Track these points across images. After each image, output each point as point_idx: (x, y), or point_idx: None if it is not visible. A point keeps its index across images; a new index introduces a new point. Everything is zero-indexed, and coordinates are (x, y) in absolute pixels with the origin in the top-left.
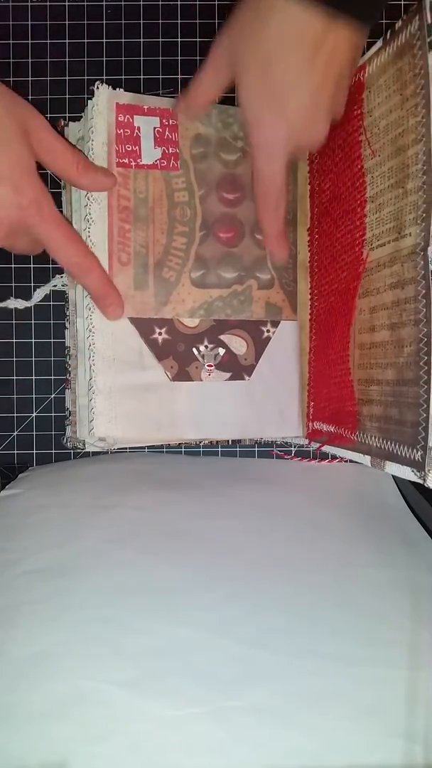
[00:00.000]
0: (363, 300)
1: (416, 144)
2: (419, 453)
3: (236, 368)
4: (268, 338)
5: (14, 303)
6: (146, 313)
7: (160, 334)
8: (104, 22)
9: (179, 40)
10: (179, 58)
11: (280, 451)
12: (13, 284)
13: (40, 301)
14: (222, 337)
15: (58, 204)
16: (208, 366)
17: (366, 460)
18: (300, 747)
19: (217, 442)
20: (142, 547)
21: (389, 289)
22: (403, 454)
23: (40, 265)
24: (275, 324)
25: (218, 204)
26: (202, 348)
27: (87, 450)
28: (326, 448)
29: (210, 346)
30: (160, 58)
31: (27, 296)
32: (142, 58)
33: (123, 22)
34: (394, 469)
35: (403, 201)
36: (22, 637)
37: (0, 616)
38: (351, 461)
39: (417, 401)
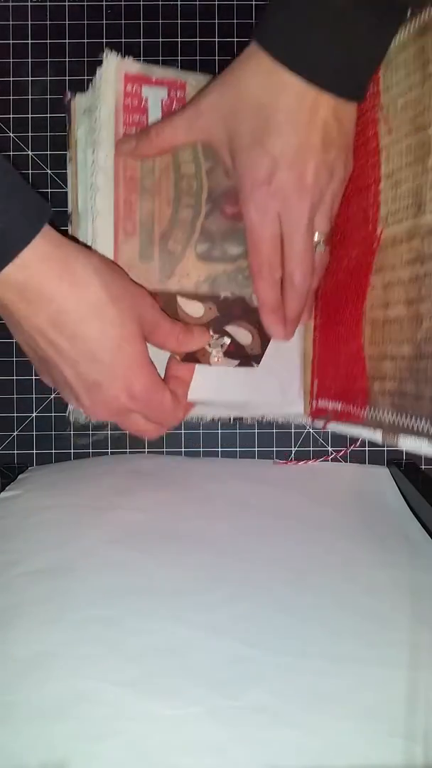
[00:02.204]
0: (375, 276)
1: None
2: None
3: (244, 356)
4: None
5: None
6: (150, 284)
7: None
8: (104, 22)
9: (179, 40)
10: (179, 58)
11: (278, 452)
12: None
13: None
14: (227, 327)
15: (64, 178)
16: (215, 353)
17: (377, 435)
18: (300, 747)
19: (218, 419)
20: (142, 547)
21: (406, 265)
22: (420, 427)
23: None
24: None
25: (225, 178)
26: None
27: (87, 432)
28: (331, 427)
29: (215, 336)
30: (160, 58)
31: None
32: (142, 58)
33: (123, 22)
34: (409, 442)
35: (423, 178)
36: (22, 637)
37: (0, 616)
38: (350, 461)
39: None
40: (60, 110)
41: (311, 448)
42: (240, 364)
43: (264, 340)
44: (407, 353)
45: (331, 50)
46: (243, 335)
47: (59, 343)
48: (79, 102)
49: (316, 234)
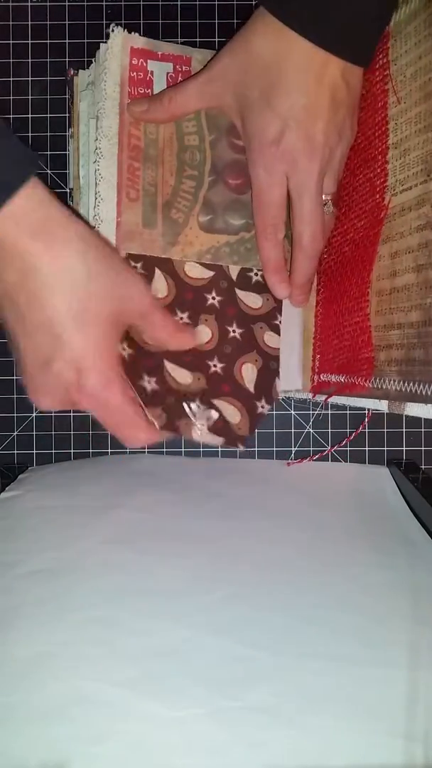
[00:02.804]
0: (383, 246)
1: None
2: None
3: (231, 435)
4: (263, 414)
5: None
6: (154, 250)
7: (149, 382)
8: (104, 22)
9: (179, 40)
10: None
11: (278, 451)
12: None
13: None
14: (215, 401)
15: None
16: (200, 425)
17: (383, 404)
18: (300, 747)
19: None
20: (142, 548)
21: (416, 231)
22: (428, 392)
23: None
24: (269, 402)
25: (228, 150)
26: (194, 406)
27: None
28: (335, 400)
29: (202, 406)
30: None
31: None
32: None
33: (123, 22)
34: (416, 409)
35: None
36: (22, 638)
37: (0, 617)
38: (350, 460)
39: None
40: (60, 110)
41: (311, 448)
42: (226, 443)
43: (253, 421)
44: (416, 319)
45: (339, 14)
46: (231, 413)
47: (19, 306)
48: (82, 77)
49: (324, 195)
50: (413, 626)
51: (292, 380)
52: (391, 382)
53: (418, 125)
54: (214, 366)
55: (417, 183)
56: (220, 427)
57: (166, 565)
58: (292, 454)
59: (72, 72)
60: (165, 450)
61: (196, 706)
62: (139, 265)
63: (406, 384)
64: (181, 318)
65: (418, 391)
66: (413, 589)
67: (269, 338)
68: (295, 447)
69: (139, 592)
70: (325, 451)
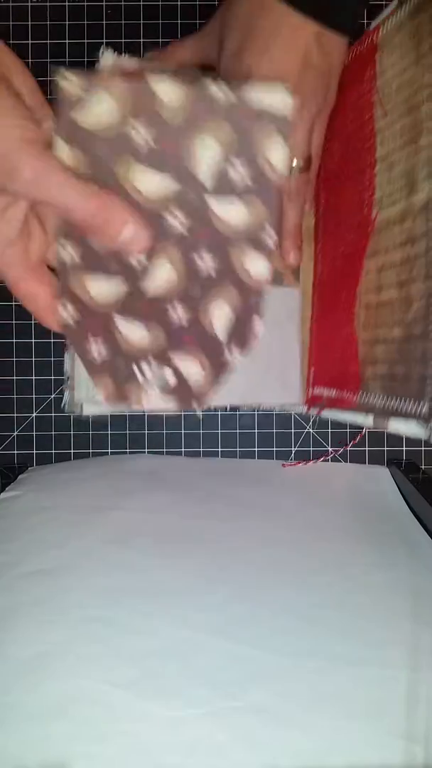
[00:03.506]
0: (370, 260)
1: (430, 100)
2: (426, 405)
3: (185, 396)
4: (232, 364)
5: None
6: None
7: (95, 344)
8: (104, 22)
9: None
10: None
11: (278, 452)
12: None
13: None
14: (173, 355)
15: None
16: (151, 389)
17: (368, 419)
18: (300, 747)
19: (216, 408)
20: (142, 548)
21: (399, 246)
22: (409, 408)
23: None
24: (243, 351)
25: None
26: (145, 366)
27: (85, 413)
28: (326, 414)
29: (154, 363)
30: None
31: None
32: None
33: (123, 22)
34: (398, 424)
35: (416, 158)
36: (22, 637)
37: (0, 617)
38: (350, 461)
39: (424, 356)
40: None
41: (311, 448)
42: (179, 406)
43: (217, 374)
44: (398, 336)
45: None
46: (191, 369)
47: None
48: None
49: (294, 160)
50: (413, 626)
51: (291, 394)
52: (376, 397)
53: (403, 138)
54: (177, 315)
55: (401, 197)
56: (174, 386)
57: (166, 565)
58: (292, 454)
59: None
60: (165, 450)
61: (196, 706)
62: None
63: (389, 399)
64: (136, 258)
65: (400, 408)
66: (413, 589)
67: (252, 262)
68: (295, 447)
69: (139, 592)
70: (323, 453)
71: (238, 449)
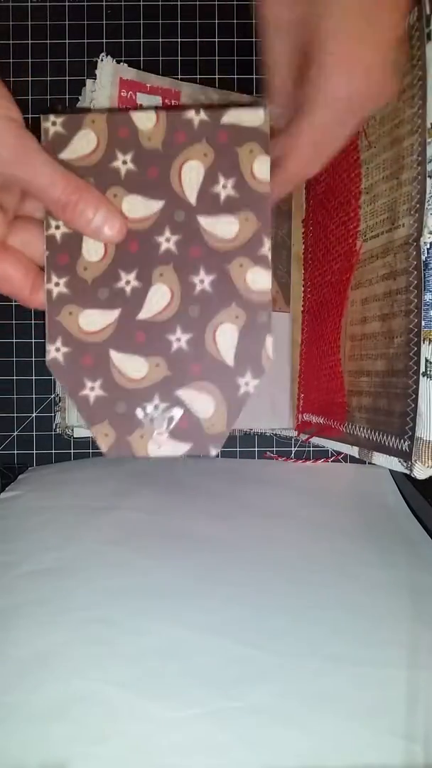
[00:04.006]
0: (355, 291)
1: (412, 135)
2: (406, 443)
3: (198, 437)
4: (247, 393)
5: None
6: None
7: (92, 388)
8: (104, 22)
9: (179, 40)
10: (179, 58)
11: (278, 452)
12: None
13: None
14: (180, 392)
15: None
16: (158, 434)
17: (354, 451)
18: (300, 747)
19: None
20: (141, 548)
21: (381, 280)
22: (391, 444)
23: None
24: (256, 374)
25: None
26: (149, 408)
27: (76, 436)
28: (315, 440)
29: (162, 404)
30: (160, 58)
31: None
32: (142, 59)
33: (123, 22)
34: (381, 459)
35: (398, 192)
36: (22, 638)
37: (0, 617)
38: (350, 461)
39: (405, 392)
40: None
41: (311, 449)
42: (191, 451)
43: (232, 409)
44: (381, 368)
45: None
46: (202, 404)
47: None
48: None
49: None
50: (413, 626)
51: (282, 418)
52: (361, 429)
53: (386, 171)
54: (177, 340)
55: (383, 231)
56: (185, 428)
57: (166, 565)
58: (292, 454)
59: (60, 107)
60: None
61: (196, 706)
62: (60, 221)
63: (372, 432)
64: (128, 282)
65: (382, 442)
66: (413, 589)
67: (254, 278)
68: (295, 447)
69: (139, 592)
70: (322, 454)
71: (238, 449)
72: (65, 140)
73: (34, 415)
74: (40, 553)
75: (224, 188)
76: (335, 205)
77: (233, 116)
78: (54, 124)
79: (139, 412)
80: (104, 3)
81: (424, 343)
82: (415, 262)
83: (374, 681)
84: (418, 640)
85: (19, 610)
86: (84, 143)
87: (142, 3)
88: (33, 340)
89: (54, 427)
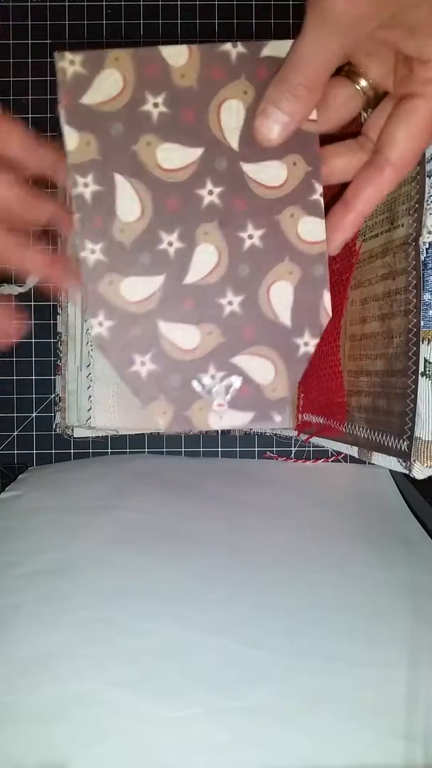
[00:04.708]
0: (355, 291)
1: None
2: (405, 443)
3: (262, 403)
4: (307, 354)
5: (8, 289)
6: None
7: (142, 363)
8: (104, 22)
9: (179, 40)
10: None
11: (278, 452)
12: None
13: (40, 300)
14: (236, 360)
15: None
16: (218, 406)
17: (353, 450)
18: (300, 747)
19: (206, 431)
20: (142, 548)
21: (380, 280)
22: (390, 444)
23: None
24: (315, 332)
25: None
26: (206, 379)
27: (76, 436)
28: (315, 440)
29: (219, 374)
30: None
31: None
32: None
33: (123, 22)
34: (380, 459)
35: (397, 192)
36: (22, 637)
37: (0, 617)
38: (350, 461)
39: (404, 392)
40: None
41: (311, 449)
42: (254, 419)
43: (293, 372)
44: (380, 368)
45: None
46: (261, 369)
47: None
48: None
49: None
50: (413, 626)
51: (283, 419)
52: (361, 429)
53: None
54: (229, 303)
55: (382, 231)
56: (245, 396)
57: (166, 565)
58: (292, 454)
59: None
60: (165, 450)
61: (196, 706)
62: (89, 177)
63: (371, 432)
64: (171, 243)
65: (381, 442)
66: (413, 589)
67: (307, 228)
68: (295, 447)
69: (139, 592)
70: (322, 454)
71: (238, 449)
72: (86, 82)
73: (34, 415)
74: (40, 553)
75: None
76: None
77: (274, 48)
78: (72, 63)
79: (196, 384)
80: (104, 3)
81: (423, 343)
82: (414, 262)
83: (374, 681)
84: (418, 640)
85: (19, 610)
86: (109, 84)
87: (142, 3)
88: (33, 340)
89: (54, 427)
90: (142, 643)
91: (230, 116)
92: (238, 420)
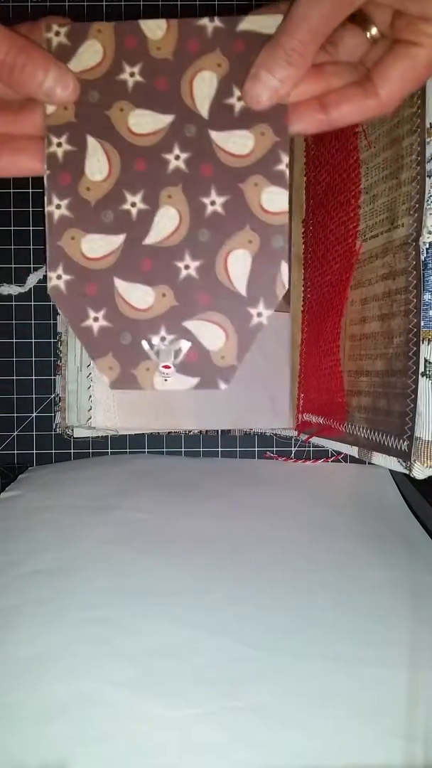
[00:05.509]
0: (354, 291)
1: (411, 135)
2: (405, 443)
3: (208, 370)
4: (260, 324)
5: (8, 289)
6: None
7: (95, 319)
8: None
9: None
10: None
11: (278, 452)
12: (12, 265)
13: (40, 300)
14: (188, 323)
15: None
16: (164, 367)
17: (354, 450)
18: (300, 747)
19: (206, 432)
20: (142, 548)
21: (380, 280)
22: (390, 444)
23: (39, 246)
24: (270, 304)
25: None
26: (155, 340)
27: (76, 436)
28: (315, 440)
29: (169, 336)
30: None
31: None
32: None
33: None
34: (380, 459)
35: (397, 192)
36: (22, 638)
37: (0, 617)
38: (350, 461)
39: (405, 391)
40: None
41: (311, 449)
42: (199, 385)
43: (243, 341)
44: (380, 368)
45: None
46: (211, 335)
47: None
48: None
49: None
50: (413, 626)
51: (283, 419)
52: (361, 429)
53: (384, 171)
54: (186, 267)
55: (382, 231)
56: (193, 361)
57: (166, 565)
58: (292, 454)
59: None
60: (165, 450)
61: (196, 706)
62: (63, 138)
63: (371, 432)
64: (134, 204)
65: (381, 442)
66: (413, 589)
67: (270, 197)
68: (295, 447)
69: (139, 593)
70: (322, 454)
71: (238, 449)
72: (70, 52)
73: (34, 415)
74: (40, 553)
75: (239, 100)
76: (335, 205)
77: (251, 23)
78: (57, 34)
79: (145, 344)
80: (104, 3)
81: (423, 343)
82: (414, 262)
83: (374, 681)
84: (418, 640)
85: (19, 610)
86: (89, 55)
87: (142, 3)
88: (33, 340)
89: (54, 427)
90: (143, 643)
91: (202, 86)
92: (183, 384)
